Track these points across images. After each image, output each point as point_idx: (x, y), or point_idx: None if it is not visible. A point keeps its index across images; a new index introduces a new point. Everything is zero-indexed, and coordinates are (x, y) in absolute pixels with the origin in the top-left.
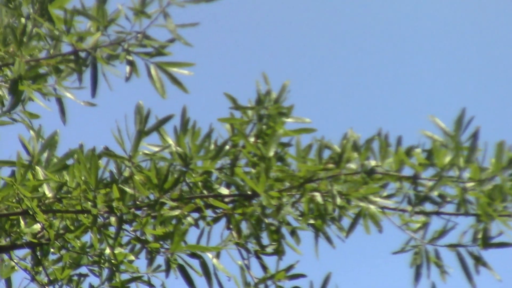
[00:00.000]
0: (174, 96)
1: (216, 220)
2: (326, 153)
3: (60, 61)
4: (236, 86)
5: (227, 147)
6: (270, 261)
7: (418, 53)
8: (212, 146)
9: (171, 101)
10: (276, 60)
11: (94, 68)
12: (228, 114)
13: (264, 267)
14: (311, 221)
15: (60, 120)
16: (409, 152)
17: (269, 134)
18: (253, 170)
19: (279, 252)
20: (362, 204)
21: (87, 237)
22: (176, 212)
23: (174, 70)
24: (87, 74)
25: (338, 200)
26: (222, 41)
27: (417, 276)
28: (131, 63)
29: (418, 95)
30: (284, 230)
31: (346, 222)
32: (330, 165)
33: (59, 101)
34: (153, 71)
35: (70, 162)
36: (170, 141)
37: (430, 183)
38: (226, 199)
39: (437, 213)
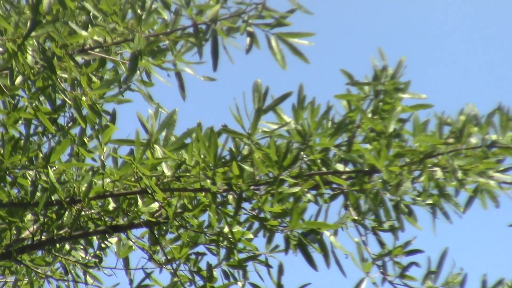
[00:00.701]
0: (288, 71)
1: (333, 197)
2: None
3: (180, 36)
4: (349, 62)
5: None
6: (387, 238)
7: None
8: (330, 123)
9: (284, 75)
10: (387, 37)
11: (214, 41)
12: (344, 90)
13: (382, 243)
14: (428, 201)
15: (174, 98)
16: None
17: (386, 110)
18: (370, 146)
19: (398, 228)
20: (481, 179)
21: (205, 216)
22: (296, 189)
23: (295, 40)
24: (206, 48)
25: (459, 174)
26: (336, 17)
27: None
28: (251, 35)
29: None
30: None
31: (461, 199)
32: (451, 140)
33: (179, 76)
34: (273, 42)
35: (188, 140)
36: (288, 118)
37: None
38: (344, 176)
39: None
